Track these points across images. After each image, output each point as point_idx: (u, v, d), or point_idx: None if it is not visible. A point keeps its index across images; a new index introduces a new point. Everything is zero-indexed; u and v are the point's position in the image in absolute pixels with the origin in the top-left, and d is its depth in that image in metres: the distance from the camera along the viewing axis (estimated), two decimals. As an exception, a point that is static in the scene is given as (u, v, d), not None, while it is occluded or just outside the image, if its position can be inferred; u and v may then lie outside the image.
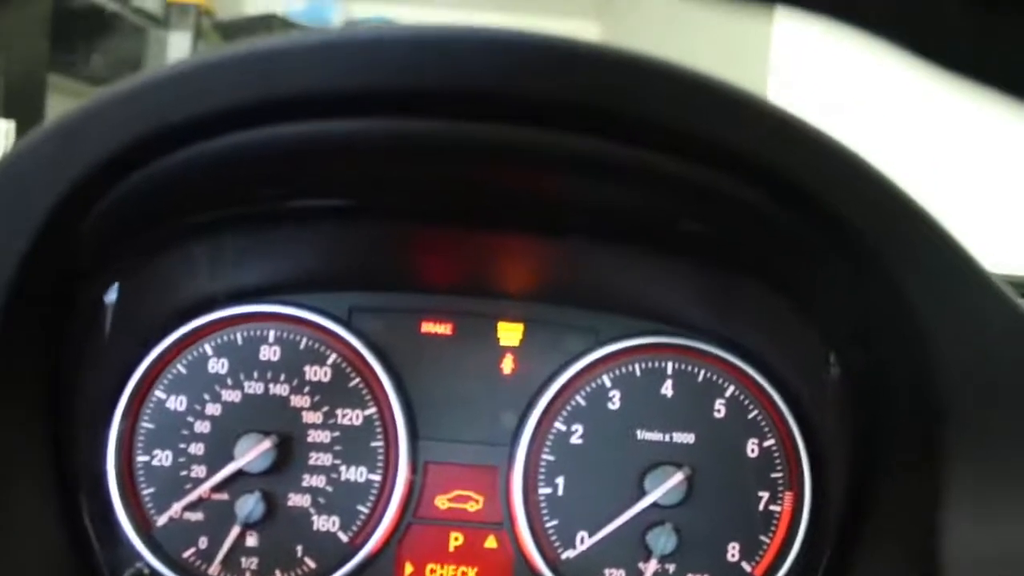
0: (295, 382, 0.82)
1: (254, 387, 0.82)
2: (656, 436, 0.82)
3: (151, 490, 0.80)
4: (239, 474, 0.80)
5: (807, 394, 0.82)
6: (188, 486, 0.80)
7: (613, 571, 0.81)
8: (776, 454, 0.82)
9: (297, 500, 0.81)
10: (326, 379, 0.82)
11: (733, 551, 0.81)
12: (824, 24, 0.30)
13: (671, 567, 0.80)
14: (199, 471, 0.80)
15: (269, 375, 0.82)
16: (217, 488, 0.80)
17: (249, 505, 0.79)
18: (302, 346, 0.83)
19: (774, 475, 0.81)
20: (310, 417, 0.82)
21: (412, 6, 3.53)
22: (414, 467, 0.83)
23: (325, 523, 0.81)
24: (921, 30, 0.28)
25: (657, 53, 0.52)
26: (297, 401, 0.82)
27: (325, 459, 0.81)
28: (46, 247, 0.56)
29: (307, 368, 0.82)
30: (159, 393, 0.81)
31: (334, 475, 0.81)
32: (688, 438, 0.82)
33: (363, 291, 0.85)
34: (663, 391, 0.83)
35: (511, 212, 0.75)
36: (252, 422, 0.81)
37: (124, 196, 0.59)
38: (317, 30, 0.54)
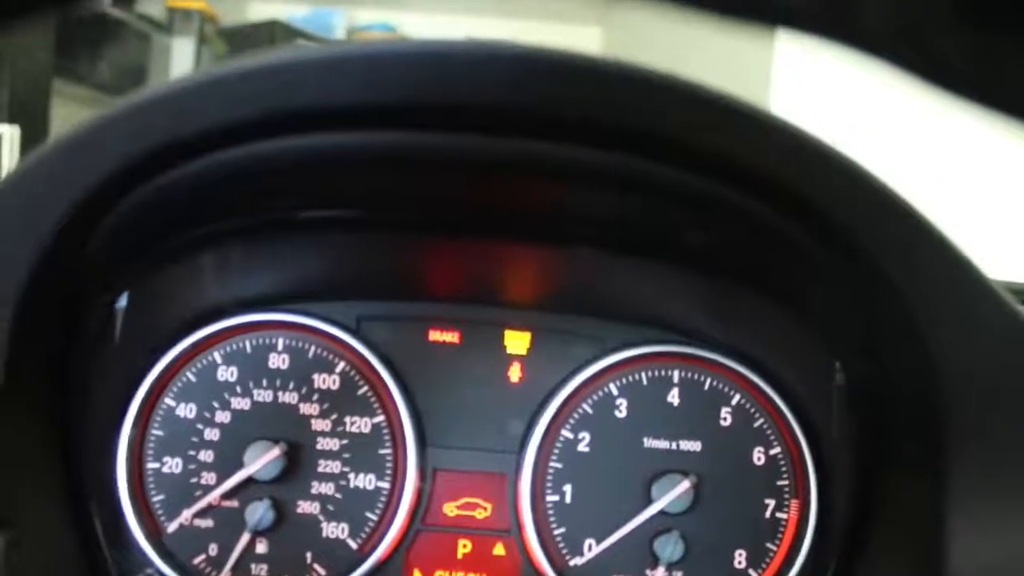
0: (304, 390, 0.83)
1: (263, 395, 0.82)
2: (663, 444, 0.82)
3: (161, 497, 0.81)
4: (249, 481, 0.80)
5: (812, 402, 0.82)
6: (198, 493, 0.80)
7: None
8: (782, 462, 0.82)
9: (306, 507, 0.81)
10: (335, 387, 0.83)
11: (740, 558, 0.81)
12: (824, 45, 0.30)
13: (678, 574, 0.81)
14: (209, 478, 0.81)
15: (278, 383, 0.83)
16: (227, 495, 0.80)
17: (259, 512, 0.79)
18: (311, 354, 0.83)
19: (780, 483, 0.82)
20: (319, 425, 0.82)
21: (416, 13, 3.54)
22: (422, 474, 0.83)
23: (334, 530, 0.81)
24: (917, 52, 0.29)
25: (660, 59, 0.53)
26: (306, 409, 0.82)
27: (334, 466, 0.82)
28: (56, 259, 0.56)
29: (316, 376, 0.83)
30: (169, 401, 0.82)
31: (343, 482, 0.82)
32: (695, 446, 0.82)
33: (371, 300, 0.85)
34: (670, 399, 0.83)
35: (519, 222, 0.76)
36: (261, 430, 0.81)
37: (134, 208, 0.60)
38: (327, 44, 0.54)
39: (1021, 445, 0.56)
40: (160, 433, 0.81)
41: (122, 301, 0.76)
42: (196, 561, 0.80)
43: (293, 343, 0.83)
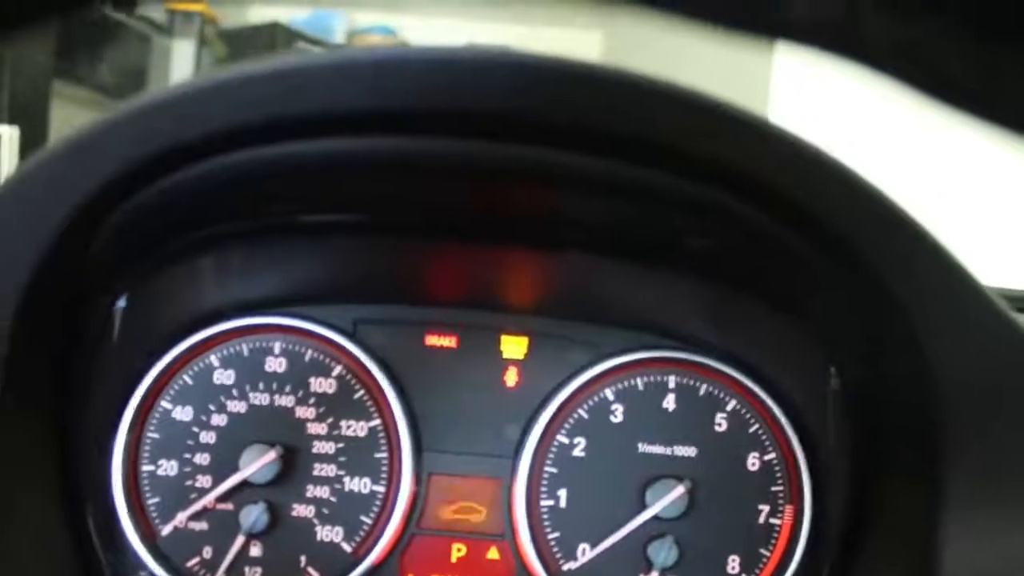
0: (300, 394, 0.83)
1: (259, 398, 0.82)
2: (658, 449, 0.83)
3: (156, 499, 0.81)
4: (244, 484, 0.80)
5: (808, 408, 0.82)
6: (193, 496, 0.81)
7: None
8: (777, 468, 0.82)
9: (301, 511, 0.81)
10: (331, 391, 0.83)
11: (734, 564, 0.81)
12: (831, 62, 0.30)
13: None
14: (204, 481, 0.81)
15: (274, 386, 0.83)
16: (222, 498, 0.80)
17: (253, 515, 0.79)
18: (307, 358, 0.83)
19: (775, 488, 0.82)
20: (315, 428, 0.82)
21: (416, 16, 3.54)
22: (418, 478, 0.83)
23: (329, 533, 0.81)
24: (917, 65, 0.29)
25: (660, 65, 0.53)
26: (302, 412, 0.82)
27: (329, 470, 0.82)
28: (57, 260, 0.56)
29: (312, 380, 0.83)
30: (165, 403, 0.82)
31: (338, 486, 0.82)
32: (689, 451, 0.82)
33: (368, 304, 0.85)
34: (665, 405, 0.83)
35: (518, 227, 0.76)
36: (257, 433, 0.82)
37: (136, 211, 0.60)
38: (331, 50, 0.55)
39: (1017, 451, 0.56)
40: (156, 435, 0.81)
41: (121, 303, 0.77)
42: (190, 564, 0.80)
43: (290, 347, 0.84)
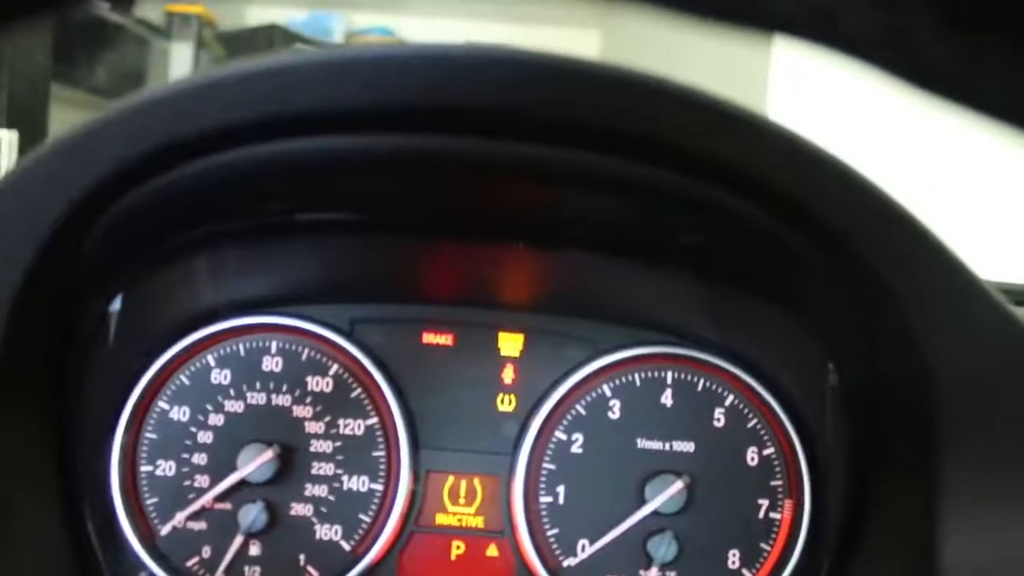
0: (297, 392, 0.83)
1: (256, 398, 0.82)
2: (656, 445, 0.82)
3: (154, 500, 0.81)
4: (242, 484, 0.80)
5: (806, 403, 0.82)
6: (191, 496, 0.80)
7: None
8: (776, 462, 0.82)
9: (299, 509, 0.81)
10: (328, 389, 0.83)
11: (733, 559, 0.81)
12: (818, 51, 0.30)
13: (672, 575, 0.81)
14: (202, 481, 0.81)
15: (271, 386, 0.83)
16: (220, 498, 0.80)
17: (252, 514, 0.79)
18: (304, 357, 0.83)
19: (774, 483, 0.82)
20: (312, 427, 0.82)
21: (414, 17, 3.54)
22: (416, 476, 0.83)
23: (327, 532, 0.81)
24: (903, 56, 0.29)
25: (658, 63, 0.53)
26: (299, 411, 0.82)
27: (327, 469, 0.82)
28: (51, 259, 0.56)
29: (309, 379, 0.83)
30: (162, 404, 0.82)
31: (336, 484, 0.82)
32: (688, 447, 0.82)
33: (365, 302, 0.85)
34: (663, 400, 0.83)
35: (514, 225, 0.76)
36: (255, 432, 0.81)
37: (130, 209, 0.60)
38: (326, 48, 0.55)
39: (1015, 446, 0.56)
40: (153, 436, 0.81)
41: (116, 303, 0.76)
42: (189, 564, 0.80)
43: (286, 346, 0.83)
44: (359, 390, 0.83)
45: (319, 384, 0.83)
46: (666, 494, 0.80)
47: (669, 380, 0.84)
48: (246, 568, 0.80)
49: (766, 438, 0.82)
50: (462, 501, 0.84)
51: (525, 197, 0.70)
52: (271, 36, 3.43)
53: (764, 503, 0.82)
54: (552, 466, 0.83)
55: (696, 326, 0.85)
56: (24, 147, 1.95)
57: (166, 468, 0.81)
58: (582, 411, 0.83)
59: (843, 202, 0.54)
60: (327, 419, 0.82)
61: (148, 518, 0.80)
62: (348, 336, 0.84)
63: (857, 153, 0.57)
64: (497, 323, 0.86)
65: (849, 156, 0.55)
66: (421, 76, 0.52)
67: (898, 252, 0.55)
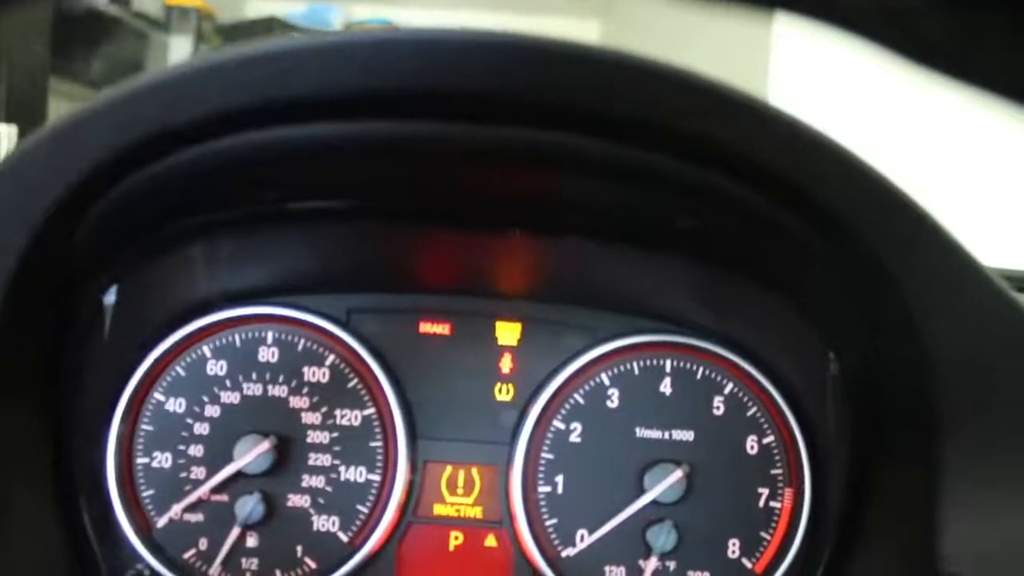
0: (294, 383, 0.82)
1: (253, 388, 0.82)
2: (655, 434, 0.82)
3: (151, 492, 0.80)
4: (239, 475, 0.80)
5: (806, 391, 0.81)
6: (188, 487, 0.80)
7: (613, 569, 0.81)
8: (776, 451, 0.82)
9: (297, 501, 0.81)
10: (325, 380, 0.82)
11: (734, 548, 0.81)
12: (818, 28, 0.30)
13: (671, 564, 0.80)
14: (199, 472, 0.80)
15: (268, 376, 0.82)
16: (217, 489, 0.80)
17: (249, 506, 0.79)
18: (300, 347, 0.83)
19: (774, 471, 0.81)
20: (309, 418, 0.82)
21: (412, 8, 3.53)
22: (413, 467, 0.83)
23: (325, 523, 0.81)
24: (904, 33, 0.28)
25: (658, 52, 0.53)
26: (296, 402, 0.82)
27: (324, 459, 0.81)
28: (44, 247, 0.56)
29: (306, 369, 0.82)
30: (158, 395, 0.81)
31: (333, 475, 0.81)
32: (687, 435, 0.82)
33: (361, 292, 0.85)
34: (662, 389, 0.83)
35: (510, 212, 0.75)
36: (251, 423, 0.81)
37: (124, 196, 0.59)
38: (320, 34, 0.54)
39: (1015, 432, 0.55)
40: (149, 427, 0.81)
41: (111, 294, 0.76)
42: (186, 556, 0.80)
43: (283, 336, 0.83)
44: (356, 380, 0.83)
45: (315, 374, 0.82)
46: (665, 483, 0.80)
47: (668, 368, 0.83)
48: (243, 560, 0.80)
49: (766, 426, 0.82)
50: (460, 491, 0.83)
51: (521, 183, 0.69)
52: (270, 29, 3.43)
53: (764, 492, 0.81)
54: (550, 456, 0.82)
55: (695, 314, 0.84)
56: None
57: (162, 460, 0.81)
58: (580, 400, 0.83)
59: (843, 187, 0.54)
60: (324, 409, 0.82)
61: (144, 510, 0.80)
62: (344, 326, 0.83)
63: (858, 135, 0.57)
64: (494, 312, 0.85)
65: (850, 139, 0.54)
66: (416, 60, 0.51)
67: (899, 237, 0.54)
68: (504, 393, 0.84)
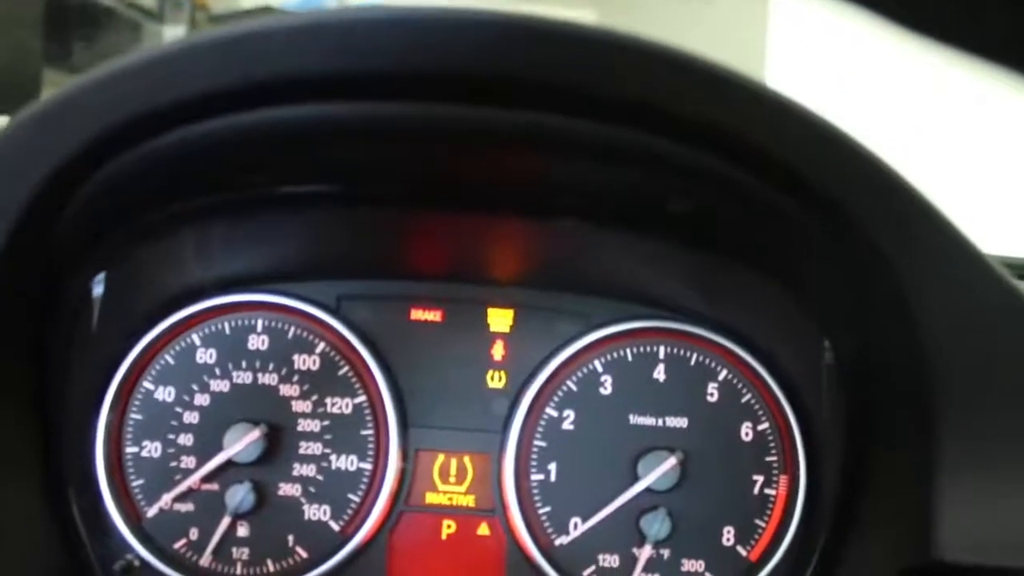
0: (284, 371, 0.81)
1: (243, 377, 0.81)
2: (649, 421, 0.81)
3: (140, 481, 0.80)
4: (229, 464, 0.79)
5: (801, 378, 0.81)
6: (178, 477, 0.79)
7: (607, 557, 0.80)
8: (770, 437, 0.81)
9: (288, 490, 0.80)
10: (315, 368, 0.82)
11: (728, 535, 0.80)
12: (816, 2, 0.29)
13: (665, 552, 0.80)
14: (188, 462, 0.80)
15: (257, 364, 0.81)
16: (207, 479, 0.79)
17: (239, 495, 0.78)
18: (290, 335, 0.82)
19: (769, 458, 0.81)
20: (299, 406, 0.81)
21: (407, -4, 3.51)
22: (405, 455, 0.82)
23: (316, 512, 0.80)
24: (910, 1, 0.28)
25: (654, 37, 0.52)
26: (286, 390, 0.81)
27: (315, 448, 0.81)
28: (30, 231, 0.55)
29: (296, 357, 0.82)
30: (147, 384, 0.81)
31: (324, 464, 0.81)
32: (681, 422, 0.81)
33: (351, 279, 0.84)
34: (655, 375, 0.82)
35: (502, 195, 0.74)
36: (241, 412, 0.80)
37: (109, 181, 0.59)
38: (301, 13, 0.53)
39: (1011, 418, 0.55)
40: (139, 417, 0.80)
41: (99, 283, 0.75)
42: (177, 546, 0.79)
43: (272, 324, 0.82)
44: (346, 368, 0.82)
45: (306, 362, 0.82)
46: (659, 471, 0.79)
47: (662, 355, 0.82)
48: (234, 549, 0.80)
49: (760, 413, 0.81)
50: (452, 480, 0.83)
51: (514, 166, 0.68)
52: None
53: (759, 479, 0.80)
54: (543, 443, 0.81)
55: (689, 300, 0.83)
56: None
57: (152, 449, 0.80)
58: (573, 387, 0.82)
59: (839, 170, 0.53)
60: (314, 398, 0.81)
61: (134, 500, 0.80)
62: (335, 313, 0.82)
63: (855, 118, 0.56)
64: (486, 298, 0.84)
65: (847, 121, 0.53)
66: (398, 40, 0.50)
67: (893, 219, 0.54)
68: (496, 380, 0.84)
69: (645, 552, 0.79)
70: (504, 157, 0.66)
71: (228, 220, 0.78)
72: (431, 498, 0.83)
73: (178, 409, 0.80)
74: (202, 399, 0.81)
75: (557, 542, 0.81)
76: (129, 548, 0.78)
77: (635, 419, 0.81)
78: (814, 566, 0.76)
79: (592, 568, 0.80)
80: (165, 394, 0.81)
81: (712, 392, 0.82)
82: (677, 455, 0.79)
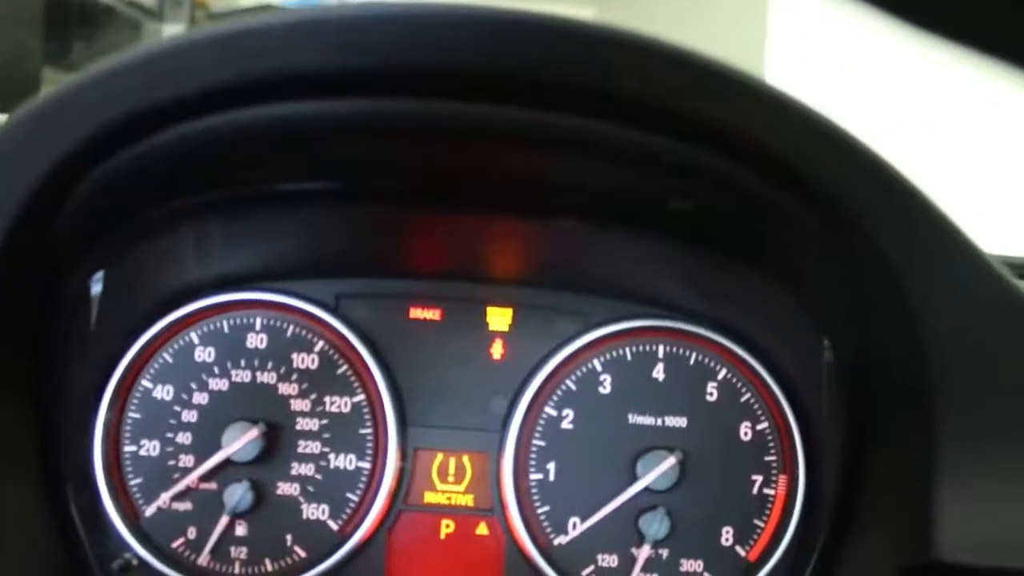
0: (282, 370, 0.81)
1: (241, 375, 0.81)
2: (648, 420, 0.81)
3: (139, 480, 0.80)
4: (227, 463, 0.79)
5: (801, 377, 0.81)
6: (176, 476, 0.79)
7: (605, 556, 0.80)
8: (770, 437, 0.81)
9: (286, 489, 0.80)
10: (314, 366, 0.81)
11: (727, 535, 0.80)
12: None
13: (664, 552, 0.80)
14: (187, 460, 0.80)
15: (256, 363, 0.81)
16: (205, 477, 0.79)
17: (237, 494, 0.78)
18: (289, 333, 0.82)
19: (768, 458, 0.81)
20: (298, 405, 0.81)
21: (407, -5, 3.51)
22: (403, 454, 0.82)
23: (315, 511, 0.80)
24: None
25: (654, 33, 0.52)
26: (285, 389, 0.81)
27: (314, 447, 0.81)
28: (28, 229, 0.55)
29: (294, 356, 0.82)
30: (146, 382, 0.81)
31: (323, 463, 0.81)
32: (680, 422, 0.81)
33: (350, 277, 0.84)
34: (655, 375, 0.82)
35: (501, 194, 0.74)
36: (240, 411, 0.80)
37: (108, 178, 0.58)
38: (299, 9, 0.53)
39: (1012, 416, 0.55)
40: (137, 415, 0.80)
41: (98, 281, 0.75)
42: (175, 544, 0.79)
43: (271, 322, 0.82)
44: (345, 367, 0.82)
45: (304, 361, 0.82)
46: (658, 470, 0.79)
47: (661, 354, 0.82)
48: (232, 549, 0.79)
49: (759, 413, 0.81)
50: (451, 479, 0.83)
51: (511, 164, 0.68)
52: (264, 17, 3.41)
53: (758, 479, 0.80)
54: (542, 443, 0.81)
55: (688, 299, 0.83)
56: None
57: (150, 448, 0.80)
58: (572, 386, 0.82)
59: (838, 167, 0.53)
60: (313, 396, 0.81)
61: (132, 499, 0.79)
62: (333, 311, 0.82)
63: (856, 115, 0.56)
64: (485, 297, 0.84)
65: (847, 118, 0.53)
66: (395, 36, 0.50)
67: (892, 216, 0.53)
68: (495, 379, 0.83)
69: (644, 552, 0.79)
70: (502, 154, 0.66)
71: (227, 217, 0.77)
72: (430, 497, 0.82)
73: (176, 407, 0.80)
74: (200, 397, 0.80)
75: (556, 542, 0.80)
76: (127, 547, 0.78)
77: (634, 418, 0.81)
78: (813, 566, 0.75)
79: (591, 568, 0.80)
80: (164, 392, 0.81)
81: (711, 391, 0.82)
82: (676, 455, 0.79)
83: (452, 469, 0.83)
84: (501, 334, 0.84)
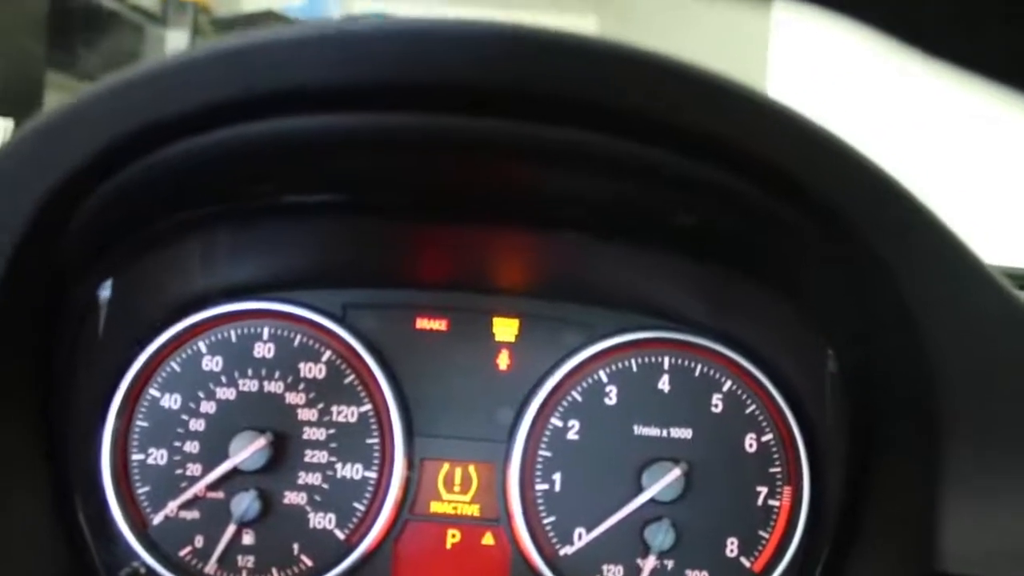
0: (290, 379, 0.82)
1: (248, 384, 0.81)
2: (653, 431, 0.81)
3: (146, 489, 0.80)
4: (234, 472, 0.79)
5: (805, 388, 0.81)
6: (183, 484, 0.80)
7: (611, 567, 0.80)
8: (774, 449, 0.81)
9: (293, 498, 0.80)
10: (321, 376, 0.82)
11: (732, 546, 0.80)
12: (818, 14, 0.30)
13: (669, 563, 0.80)
14: (194, 469, 0.80)
15: (263, 372, 0.82)
16: (212, 486, 0.79)
17: (245, 503, 0.79)
18: (296, 343, 0.82)
19: (772, 470, 0.81)
20: (305, 414, 0.81)
21: (410, 2, 3.52)
22: (410, 464, 0.82)
23: (321, 520, 0.81)
24: (904, 16, 0.28)
25: (655, 47, 0.52)
26: (292, 398, 0.81)
27: (321, 456, 0.81)
28: (35, 244, 0.55)
29: (302, 365, 0.82)
30: (153, 391, 0.81)
31: (330, 472, 0.81)
32: (685, 433, 0.81)
33: (357, 288, 0.84)
34: (660, 386, 0.82)
35: (506, 207, 0.75)
36: (247, 420, 0.81)
37: (116, 191, 0.59)
38: (305, 24, 0.53)
39: (1016, 427, 0.55)
40: (145, 424, 0.81)
41: (106, 290, 0.75)
42: (182, 553, 0.79)
43: (278, 332, 0.82)
44: (352, 376, 0.82)
45: (312, 370, 0.82)
46: (663, 481, 0.79)
47: (666, 365, 0.82)
48: (239, 557, 0.80)
49: (764, 424, 0.81)
50: (457, 489, 0.83)
51: (517, 177, 0.68)
52: (267, 22, 3.42)
53: (763, 490, 0.81)
54: (548, 453, 0.82)
55: (693, 311, 0.84)
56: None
57: (158, 457, 0.80)
58: (578, 397, 0.82)
59: (840, 179, 0.53)
60: (320, 406, 0.81)
61: (140, 507, 0.80)
62: (340, 322, 0.83)
63: (857, 128, 0.56)
64: (492, 308, 0.85)
65: (848, 130, 0.54)
66: (401, 51, 0.51)
67: (894, 228, 0.54)
68: (501, 390, 0.84)
69: (649, 563, 0.79)
70: (507, 168, 0.66)
71: (234, 229, 0.78)
72: (436, 507, 0.83)
73: (184, 416, 0.81)
74: (208, 407, 0.81)
75: (561, 552, 0.81)
76: (135, 555, 0.78)
77: (639, 429, 0.82)
78: (818, 577, 0.76)
79: None
80: (171, 401, 0.81)
81: (716, 403, 0.82)
82: (681, 466, 0.80)
83: (458, 479, 0.83)
84: (507, 345, 0.84)
